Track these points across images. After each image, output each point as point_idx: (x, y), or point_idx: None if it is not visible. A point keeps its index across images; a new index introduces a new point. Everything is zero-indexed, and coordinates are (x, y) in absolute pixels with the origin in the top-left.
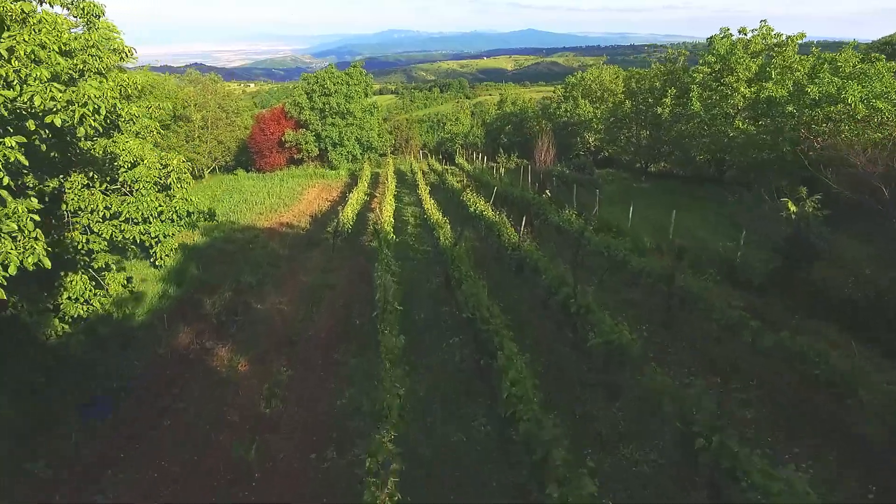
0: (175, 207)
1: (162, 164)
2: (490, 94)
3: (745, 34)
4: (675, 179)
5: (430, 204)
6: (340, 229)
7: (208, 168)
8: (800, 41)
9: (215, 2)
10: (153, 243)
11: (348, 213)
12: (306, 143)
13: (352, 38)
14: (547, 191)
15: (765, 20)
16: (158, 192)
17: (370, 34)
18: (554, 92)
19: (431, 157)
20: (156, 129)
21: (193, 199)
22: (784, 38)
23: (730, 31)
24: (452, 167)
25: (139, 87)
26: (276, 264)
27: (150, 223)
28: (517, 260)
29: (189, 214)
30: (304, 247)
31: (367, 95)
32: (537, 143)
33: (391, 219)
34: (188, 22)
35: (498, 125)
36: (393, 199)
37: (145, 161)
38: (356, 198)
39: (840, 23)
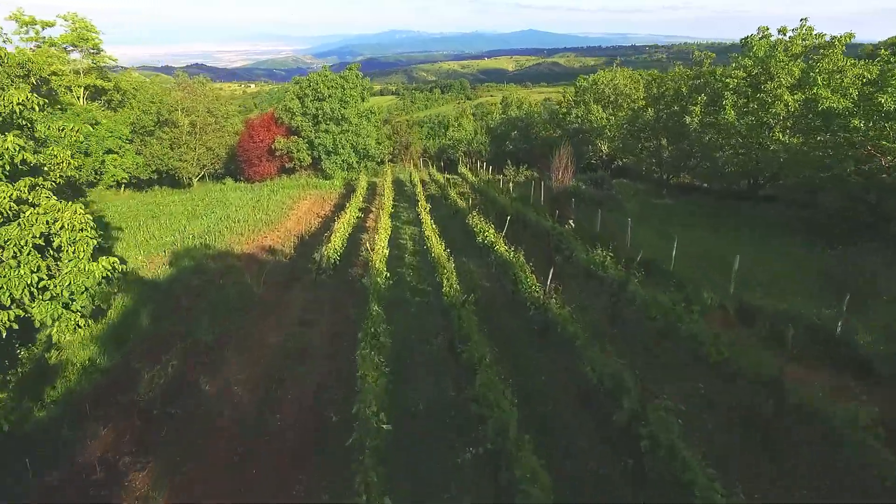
0: (67, 282)
1: (50, 220)
2: (492, 95)
3: (785, 34)
4: (699, 194)
5: (430, 229)
6: (325, 264)
7: (196, 176)
8: (847, 42)
9: (217, 2)
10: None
11: (336, 241)
12: (298, 151)
13: (353, 39)
14: (570, 220)
15: (805, 18)
16: (44, 259)
17: (371, 34)
18: (563, 95)
19: (432, 166)
20: (65, 161)
21: (96, 268)
22: (828, 38)
23: (769, 31)
24: (455, 177)
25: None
26: (245, 308)
27: (30, 304)
28: (541, 322)
29: (86, 290)
30: (283, 282)
31: (363, 99)
32: (553, 156)
33: (385, 251)
34: (190, 22)
35: (503, 130)
36: (389, 221)
37: (24, 216)
38: (347, 218)
39: (840, 23)
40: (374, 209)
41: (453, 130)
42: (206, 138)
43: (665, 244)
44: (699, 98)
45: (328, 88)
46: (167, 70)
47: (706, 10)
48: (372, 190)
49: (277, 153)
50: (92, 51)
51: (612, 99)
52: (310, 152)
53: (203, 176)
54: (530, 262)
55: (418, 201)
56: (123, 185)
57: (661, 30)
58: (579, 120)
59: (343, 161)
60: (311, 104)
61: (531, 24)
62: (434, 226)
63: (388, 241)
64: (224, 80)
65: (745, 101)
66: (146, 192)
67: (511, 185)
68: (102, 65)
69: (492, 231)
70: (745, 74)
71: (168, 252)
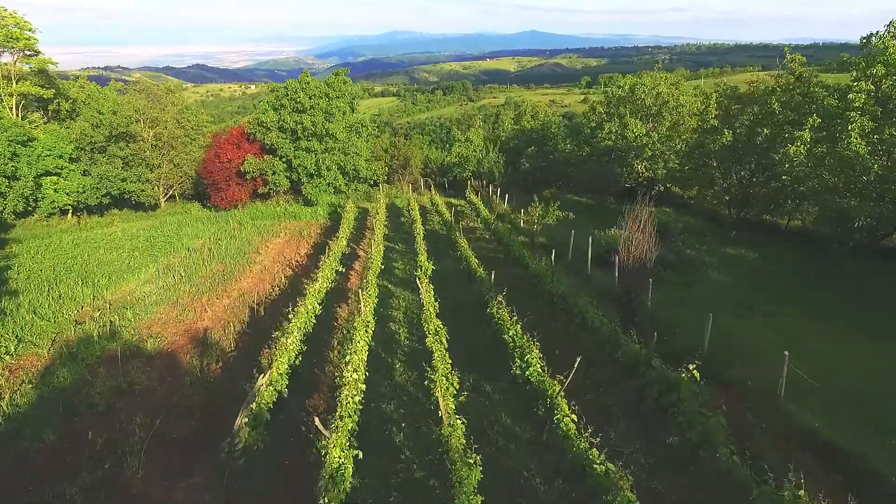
0: None
1: None
2: (494, 97)
3: None
4: (779, 237)
5: (433, 322)
6: (242, 441)
7: (164, 196)
8: None
9: (220, 3)
10: None
11: (281, 362)
12: (274, 173)
13: (355, 40)
14: (693, 367)
15: None
16: None
17: (373, 35)
18: (590, 102)
19: (434, 189)
20: None
21: None
22: None
23: None
24: (462, 203)
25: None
26: None
27: None
28: None
29: None
30: (187, 450)
31: (353, 110)
32: (623, 216)
33: (356, 392)
34: (192, 23)
35: (515, 144)
36: (375, 296)
37: None
38: (317, 287)
39: (842, 25)
40: (361, 252)
41: (460, 146)
42: (172, 154)
43: (788, 353)
44: (810, 120)
45: (309, 98)
46: (168, 70)
47: (709, 11)
48: (362, 221)
49: (249, 176)
50: (27, 52)
51: (653, 111)
52: (288, 174)
53: (172, 195)
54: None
55: (418, 251)
56: (71, 212)
57: (664, 31)
58: (613, 136)
59: (328, 185)
60: (288, 117)
61: (533, 24)
62: (437, 305)
63: (373, 319)
64: (225, 80)
65: (876, 124)
66: (105, 215)
67: (536, 225)
68: (41, 69)
69: (537, 356)
70: (871, 88)
71: (55, 344)
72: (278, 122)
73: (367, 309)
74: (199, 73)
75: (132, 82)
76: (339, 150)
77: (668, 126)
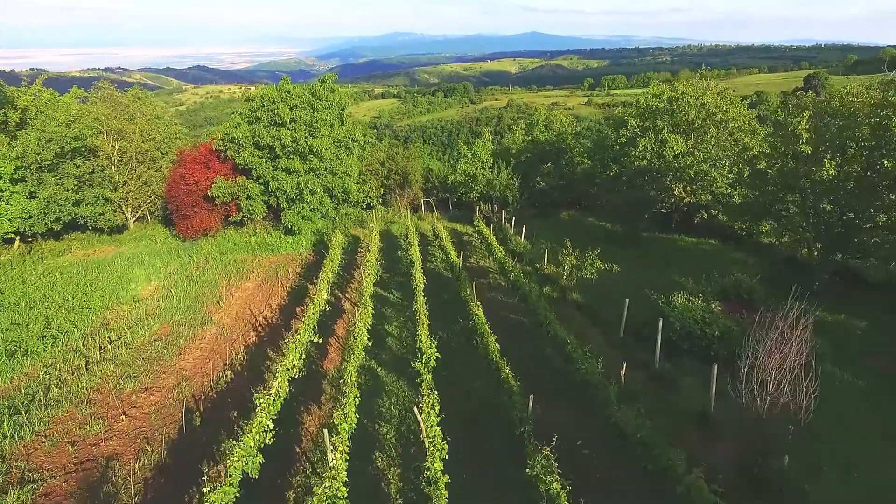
0: None
1: None
2: (497, 99)
3: None
4: (880, 296)
5: (439, 490)
6: None
7: (133, 217)
8: None
9: (221, 4)
10: None
11: None
12: (248, 198)
13: (356, 41)
14: None
15: None
16: None
17: (374, 36)
18: (613, 112)
19: (438, 215)
20: None
21: None
22: None
23: None
24: (470, 231)
25: None
26: None
27: None
28: None
29: None
30: None
31: (342, 122)
32: (742, 354)
33: None
34: (194, 25)
35: (527, 159)
36: (353, 421)
37: None
38: (275, 391)
39: (842, 26)
40: (347, 303)
41: (466, 163)
42: (140, 170)
43: None
44: None
45: (290, 110)
46: (169, 72)
47: (710, 12)
48: (351, 255)
49: (218, 201)
50: None
51: (696, 124)
52: (265, 199)
53: (143, 216)
54: None
55: (418, 319)
56: (18, 240)
57: (665, 32)
58: (647, 155)
59: (313, 210)
60: (265, 132)
61: (534, 26)
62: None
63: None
64: (226, 81)
65: None
66: (62, 239)
67: (568, 277)
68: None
69: None
70: None
71: None
72: (253, 138)
73: (344, 427)
74: (200, 75)
75: (100, 87)
76: (325, 169)
77: (713, 142)
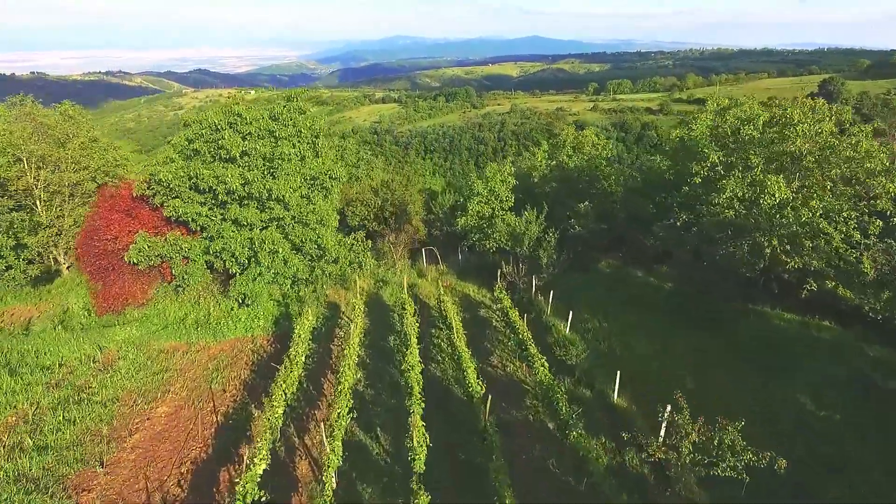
0: None
1: None
2: (499, 104)
3: None
4: None
5: None
6: None
7: (66, 263)
8: None
9: (224, 8)
10: None
11: None
12: (189, 252)
13: (357, 45)
14: None
15: None
16: None
17: (375, 40)
18: (688, 143)
19: (443, 273)
20: None
21: None
22: None
23: None
24: (488, 301)
25: None
26: None
27: None
28: None
29: None
30: None
31: (316, 153)
32: None
33: None
34: (196, 28)
35: (553, 189)
36: None
37: None
38: None
39: (843, 30)
40: (309, 439)
41: (480, 203)
42: (70, 206)
43: None
44: None
45: (244, 140)
46: (169, 75)
47: (712, 16)
48: (324, 344)
49: (142, 265)
50: None
51: (808, 162)
52: (210, 259)
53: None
54: None
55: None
56: None
57: (665, 36)
58: (736, 203)
59: (276, 275)
60: (206, 172)
61: (535, 30)
62: None
63: None
64: (227, 85)
65: None
66: None
67: (683, 463)
68: None
69: None
70: None
71: None
72: (190, 179)
73: None
74: (201, 78)
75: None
76: (291, 218)
77: (828, 185)
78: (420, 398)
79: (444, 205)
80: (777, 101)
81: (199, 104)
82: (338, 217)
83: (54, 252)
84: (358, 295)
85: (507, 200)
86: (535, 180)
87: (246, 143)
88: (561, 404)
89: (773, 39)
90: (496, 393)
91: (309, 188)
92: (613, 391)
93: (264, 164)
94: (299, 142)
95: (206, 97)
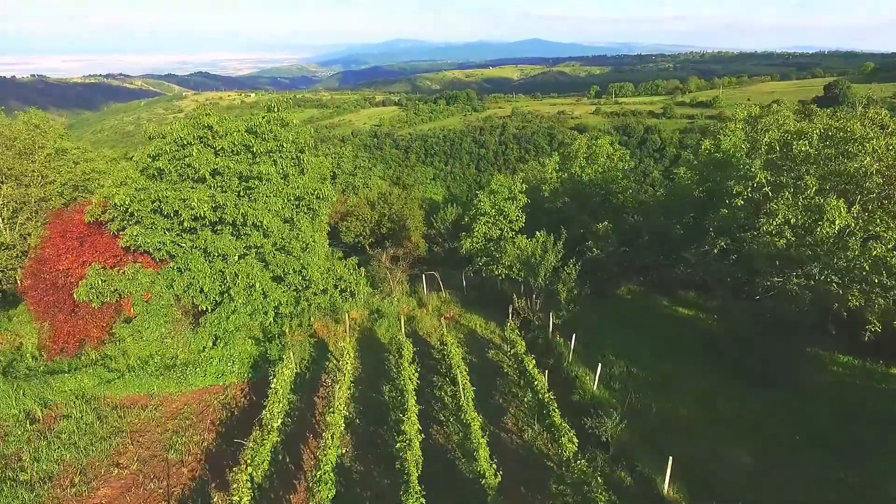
0: None
1: None
2: (500, 107)
3: None
4: None
5: None
6: None
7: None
8: None
9: (226, 12)
10: None
11: None
12: (153, 287)
13: (358, 48)
14: None
15: None
16: None
17: (376, 43)
18: (724, 155)
19: (444, 303)
20: None
21: None
22: None
23: None
24: (497, 339)
25: None
26: None
27: None
28: None
29: None
30: None
31: (301, 169)
32: None
33: None
34: (197, 31)
35: (565, 205)
36: None
37: None
38: None
39: (844, 34)
40: None
41: (487, 224)
42: (35, 224)
43: None
44: None
45: (216, 155)
46: (171, 78)
47: (713, 19)
48: (308, 394)
49: (95, 304)
50: None
51: (871, 184)
52: (178, 293)
53: None
54: None
55: None
56: None
57: (665, 39)
58: (787, 231)
59: (254, 311)
60: (171, 194)
61: (535, 33)
62: None
63: None
64: (228, 88)
65: None
66: None
67: None
68: None
69: None
70: None
71: None
72: (153, 203)
73: None
74: (202, 81)
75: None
76: (272, 245)
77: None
78: (419, 493)
79: (446, 219)
80: (830, 112)
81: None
82: (327, 240)
83: (18, 275)
84: (348, 335)
85: (517, 221)
86: (546, 194)
87: (218, 160)
88: (599, 496)
89: (773, 43)
90: (512, 470)
91: (293, 210)
92: (663, 480)
93: (240, 185)
94: (281, 158)
95: (207, 100)
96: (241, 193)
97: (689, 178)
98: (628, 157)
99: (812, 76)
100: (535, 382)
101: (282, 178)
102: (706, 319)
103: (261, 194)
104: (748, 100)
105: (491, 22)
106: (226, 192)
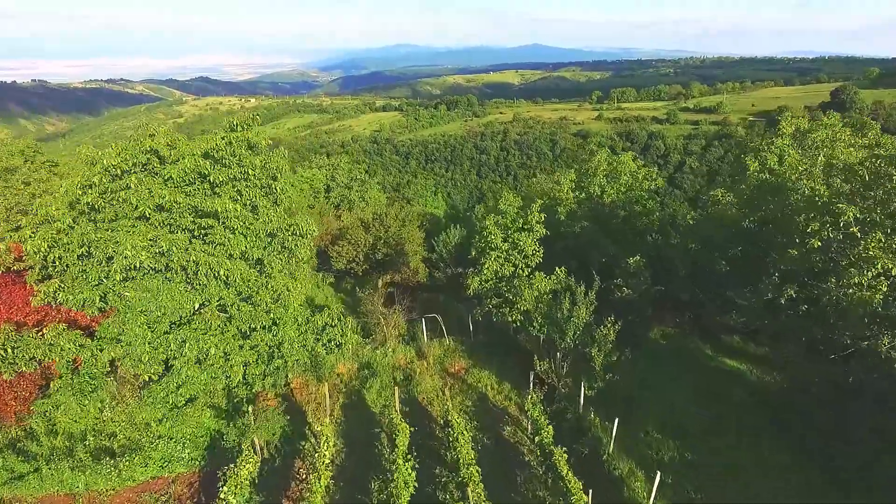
0: None
1: None
2: (501, 112)
3: None
4: None
5: None
6: None
7: None
8: None
9: (227, 16)
10: None
11: None
12: (81, 352)
13: (358, 52)
14: None
15: None
16: None
17: (376, 48)
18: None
19: (449, 353)
20: None
21: None
22: None
23: None
24: (513, 410)
25: None
26: None
27: None
28: None
29: None
30: None
31: (274, 200)
32: None
33: None
34: (199, 36)
35: (583, 231)
36: None
37: None
38: None
39: (844, 39)
40: None
41: (498, 261)
42: None
43: None
44: None
45: (164, 183)
46: (171, 83)
47: (711, 24)
48: (274, 499)
49: (5, 376)
50: None
51: None
52: (111, 358)
53: None
54: None
55: None
56: None
57: (665, 44)
58: (884, 285)
59: (214, 377)
60: (101, 239)
61: (536, 38)
62: None
63: None
64: (229, 93)
65: None
66: None
67: None
68: None
69: None
70: None
71: None
72: (80, 248)
73: None
74: (203, 86)
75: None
76: (235, 296)
77: None
78: None
79: (448, 243)
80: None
81: (199, 112)
82: (310, 282)
83: None
84: (328, 409)
85: (534, 256)
86: (562, 217)
87: (165, 192)
88: None
89: (772, 48)
90: None
91: (263, 250)
92: None
93: (194, 223)
94: (248, 187)
95: (207, 105)
96: (198, 234)
97: (729, 202)
98: (655, 175)
99: (816, 81)
100: (570, 488)
101: (249, 211)
102: (761, 376)
103: (218, 234)
104: (752, 105)
105: (491, 27)
106: (175, 232)
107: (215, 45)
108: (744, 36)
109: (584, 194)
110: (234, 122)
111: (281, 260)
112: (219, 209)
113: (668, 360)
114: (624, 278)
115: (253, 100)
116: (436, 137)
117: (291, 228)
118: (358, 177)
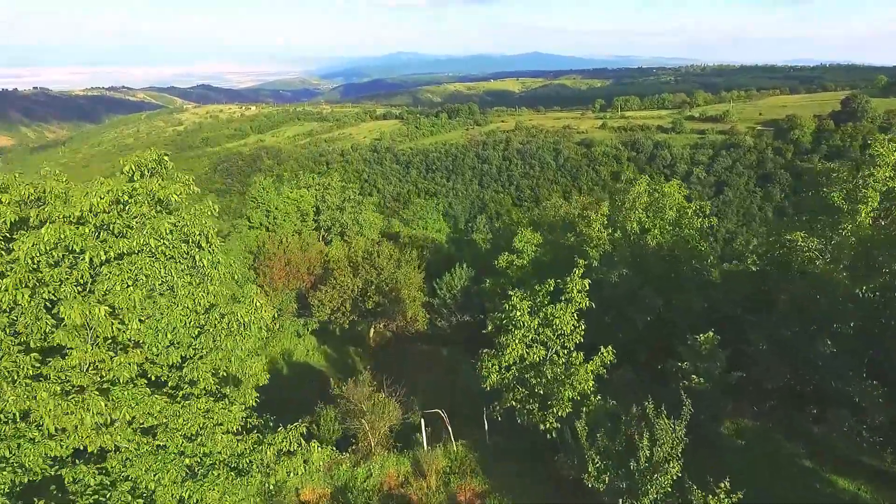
0: None
1: None
2: (503, 121)
3: None
4: None
5: None
6: None
7: None
8: None
9: (229, 25)
10: None
11: None
12: None
13: (360, 60)
14: None
15: None
16: None
17: (377, 56)
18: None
19: (457, 461)
20: None
21: None
22: None
23: None
24: None
25: None
26: None
27: None
28: None
29: None
30: None
31: (200, 277)
32: None
33: None
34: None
35: (621, 282)
36: None
37: None
38: None
39: (845, 47)
40: None
41: (524, 343)
42: None
43: None
44: None
45: (3, 277)
46: (173, 91)
47: (713, 32)
48: None
49: None
50: None
51: None
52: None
53: None
54: None
55: None
56: None
57: (665, 52)
58: None
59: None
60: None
61: (536, 46)
62: None
63: None
64: (230, 101)
65: None
66: None
67: None
68: None
69: None
70: None
71: None
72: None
73: None
74: (204, 93)
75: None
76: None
77: None
78: None
79: (453, 287)
80: None
81: (199, 120)
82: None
83: None
84: None
85: (574, 335)
86: (595, 263)
87: (5, 282)
88: None
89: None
90: None
91: (184, 354)
92: None
93: (80, 309)
94: (153, 262)
95: (207, 113)
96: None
97: (817, 256)
98: (708, 210)
99: (822, 89)
100: None
101: (167, 290)
102: None
103: (123, 331)
104: (760, 114)
105: (492, 35)
106: (39, 319)
107: (218, 54)
108: (742, 44)
109: (618, 232)
110: (136, 167)
111: (199, 403)
112: (79, 322)
113: (752, 474)
114: (691, 360)
115: (253, 107)
116: (437, 146)
117: (247, 317)
118: (351, 197)
